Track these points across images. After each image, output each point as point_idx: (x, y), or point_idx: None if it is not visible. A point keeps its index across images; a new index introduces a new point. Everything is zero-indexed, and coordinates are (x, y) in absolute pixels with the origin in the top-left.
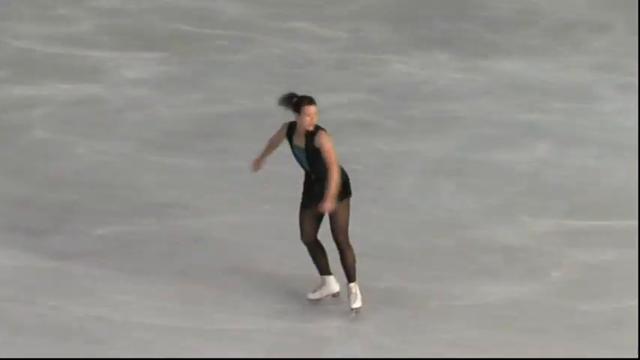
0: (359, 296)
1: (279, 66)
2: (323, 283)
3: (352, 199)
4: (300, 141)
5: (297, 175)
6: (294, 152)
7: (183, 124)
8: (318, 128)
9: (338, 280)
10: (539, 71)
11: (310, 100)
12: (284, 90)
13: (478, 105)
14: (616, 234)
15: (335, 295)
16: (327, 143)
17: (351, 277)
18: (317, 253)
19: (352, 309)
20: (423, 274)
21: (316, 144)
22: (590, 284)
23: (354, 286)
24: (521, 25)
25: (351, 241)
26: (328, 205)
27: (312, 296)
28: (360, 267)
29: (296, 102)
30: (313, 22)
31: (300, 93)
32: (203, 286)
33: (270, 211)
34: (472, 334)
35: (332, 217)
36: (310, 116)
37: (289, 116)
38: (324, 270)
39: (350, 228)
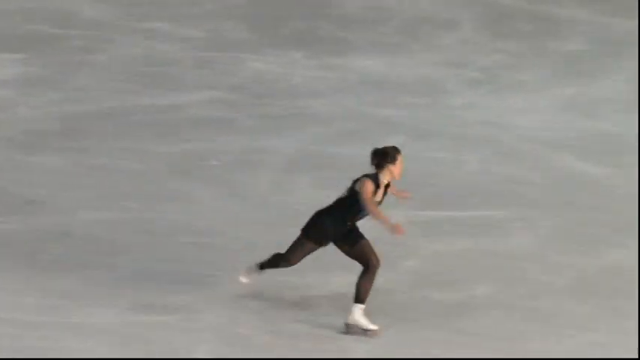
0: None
1: (140, 65)
2: (253, 272)
3: (209, 195)
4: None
5: (154, 171)
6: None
7: (44, 124)
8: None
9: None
10: (391, 67)
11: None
12: (144, 89)
13: (332, 101)
14: (467, 224)
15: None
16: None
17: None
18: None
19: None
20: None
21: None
22: (443, 273)
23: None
24: (373, 23)
25: (211, 237)
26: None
27: (243, 279)
28: (219, 260)
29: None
30: (172, 22)
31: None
32: (67, 281)
33: (132, 207)
34: (329, 320)
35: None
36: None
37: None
38: (264, 268)
39: (208, 223)
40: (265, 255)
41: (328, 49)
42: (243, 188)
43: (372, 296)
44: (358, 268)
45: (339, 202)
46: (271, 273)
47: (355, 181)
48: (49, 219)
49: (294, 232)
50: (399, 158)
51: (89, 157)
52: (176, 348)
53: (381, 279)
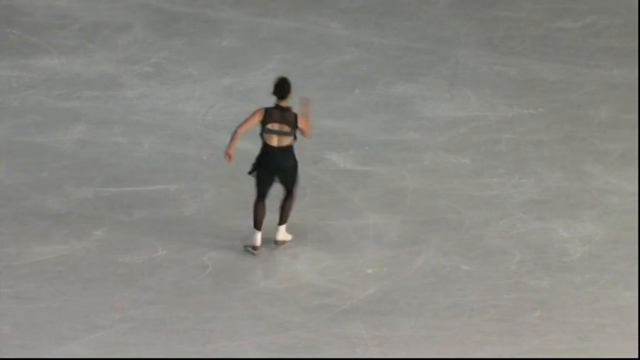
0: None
1: None
2: (256, 237)
3: None
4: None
5: None
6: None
7: None
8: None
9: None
10: (73, 66)
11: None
12: None
13: (24, 97)
14: (144, 197)
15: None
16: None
17: (282, 220)
18: (262, 210)
19: (276, 241)
20: None
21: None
22: (126, 239)
23: (283, 228)
24: (57, 29)
25: None
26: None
27: (256, 244)
28: None
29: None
30: None
31: None
32: None
33: None
34: (31, 287)
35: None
36: None
37: None
38: (260, 225)
39: None
40: None
41: (18, 51)
42: None
43: (62, 262)
44: None
45: None
46: None
47: None
48: None
49: None
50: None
51: None
52: None
53: (72, 247)
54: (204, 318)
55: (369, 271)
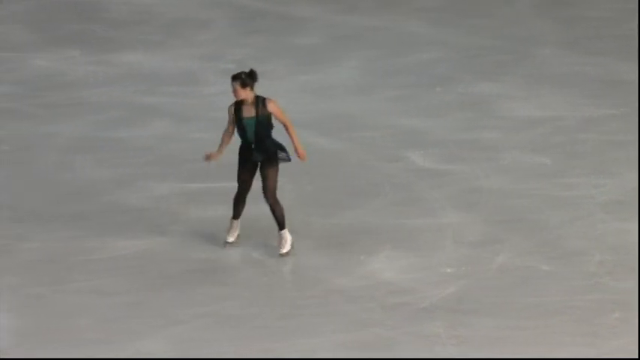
0: (288, 242)
1: None
2: (232, 226)
3: (1, 175)
4: (248, 112)
5: None
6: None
7: None
8: (264, 98)
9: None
10: (154, 62)
11: (232, 77)
12: None
13: (106, 92)
14: (225, 194)
15: (239, 236)
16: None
17: (281, 225)
18: (242, 203)
19: (281, 254)
20: (67, 234)
21: (270, 109)
22: (205, 235)
23: (285, 233)
24: (138, 24)
25: (4, 211)
26: (303, 151)
27: (229, 239)
28: (13, 230)
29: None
30: None
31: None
32: None
33: None
34: (109, 282)
35: (266, 177)
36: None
37: None
38: (237, 215)
39: (1, 198)
40: (53, 225)
41: (100, 47)
42: (30, 168)
43: (140, 256)
44: None
45: None
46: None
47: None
48: None
49: (78, 206)
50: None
51: None
52: None
53: (151, 242)
54: (281, 315)
55: (448, 270)
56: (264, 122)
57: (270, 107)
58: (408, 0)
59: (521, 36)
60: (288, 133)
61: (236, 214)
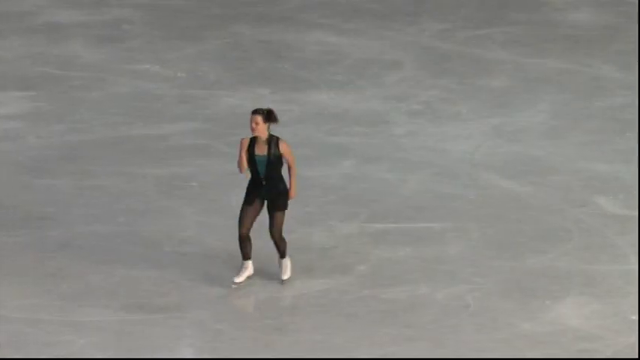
0: (289, 268)
1: (130, 101)
2: (245, 267)
3: (190, 211)
4: (261, 150)
5: (142, 191)
6: (254, 160)
7: (50, 151)
8: (277, 137)
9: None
10: (342, 102)
11: (253, 111)
12: (135, 121)
13: (294, 130)
14: (409, 234)
15: (250, 277)
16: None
17: (282, 254)
18: (247, 242)
19: (282, 280)
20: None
21: (281, 150)
22: (389, 276)
23: (287, 260)
24: (327, 64)
25: (190, 246)
26: (295, 193)
27: (237, 280)
28: (200, 266)
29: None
30: (156, 64)
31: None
32: (68, 284)
33: (124, 221)
34: (294, 320)
35: (274, 217)
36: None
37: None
38: (247, 256)
39: (186, 233)
40: (239, 261)
41: (289, 86)
42: (219, 204)
43: (325, 295)
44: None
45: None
46: (256, 276)
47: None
48: (54, 232)
49: (263, 242)
50: (251, 117)
51: (88, 179)
52: (162, 342)
53: (336, 281)
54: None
55: (634, 317)
56: (274, 161)
57: (282, 148)
58: (601, 44)
59: None
60: (290, 172)
61: (245, 255)
